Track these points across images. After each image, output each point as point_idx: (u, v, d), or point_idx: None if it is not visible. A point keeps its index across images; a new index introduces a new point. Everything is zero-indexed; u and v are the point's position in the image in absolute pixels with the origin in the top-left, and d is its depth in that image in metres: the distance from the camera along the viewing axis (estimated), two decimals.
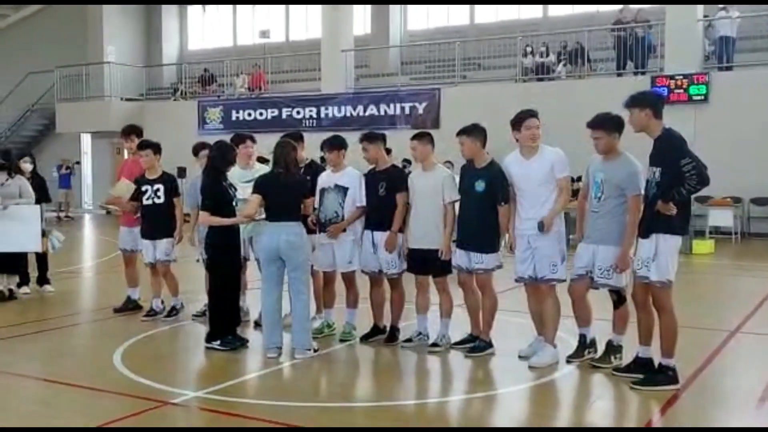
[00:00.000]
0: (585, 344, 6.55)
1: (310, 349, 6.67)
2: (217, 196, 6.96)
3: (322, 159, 8.21)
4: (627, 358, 6.17)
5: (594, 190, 6.32)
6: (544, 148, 6.43)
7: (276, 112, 22.80)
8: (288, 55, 24.44)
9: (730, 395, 5.83)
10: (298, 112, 22.40)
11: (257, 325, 7.86)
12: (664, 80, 17.80)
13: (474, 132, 6.78)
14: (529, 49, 20.26)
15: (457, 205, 6.85)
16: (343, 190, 7.16)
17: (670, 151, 5.62)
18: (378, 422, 5.23)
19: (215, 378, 6.09)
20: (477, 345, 6.83)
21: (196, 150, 8.13)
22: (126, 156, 9.13)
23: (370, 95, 21.71)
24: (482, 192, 6.63)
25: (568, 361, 6.45)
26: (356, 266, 7.26)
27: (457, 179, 6.93)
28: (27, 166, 10.00)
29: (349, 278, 7.35)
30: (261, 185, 6.79)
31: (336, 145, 7.22)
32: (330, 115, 21.91)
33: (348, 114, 21.64)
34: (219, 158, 7.11)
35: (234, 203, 7.06)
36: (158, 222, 8.20)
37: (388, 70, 23.58)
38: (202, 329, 7.77)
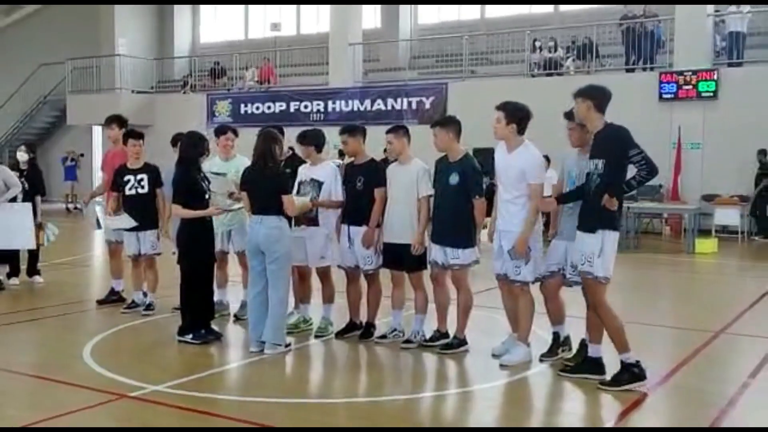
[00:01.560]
0: (558, 342, 6.44)
1: (280, 345, 6.58)
2: (188, 188, 6.87)
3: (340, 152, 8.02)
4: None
5: (569, 185, 6.20)
6: (527, 146, 6.21)
7: (284, 106, 22.76)
8: (297, 49, 24.36)
9: (697, 396, 5.70)
10: (305, 106, 22.34)
11: (237, 318, 7.83)
12: (672, 76, 17.56)
13: (448, 124, 6.68)
14: (538, 44, 20.07)
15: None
16: (319, 184, 7.08)
17: (614, 143, 5.54)
18: (338, 419, 5.16)
19: (180, 372, 6.03)
20: (451, 342, 6.72)
21: (175, 140, 8.08)
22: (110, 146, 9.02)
23: (378, 89, 21.62)
24: (456, 185, 6.53)
25: (541, 360, 6.33)
26: (329, 261, 7.17)
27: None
28: (22, 155, 9.98)
29: (323, 273, 7.27)
30: (244, 179, 6.77)
31: (309, 138, 7.15)
32: (337, 109, 21.84)
33: (355, 108, 21.56)
34: (189, 149, 7.02)
35: (206, 195, 6.98)
36: (142, 213, 8.11)
37: (398, 65, 23.46)
38: (177, 323, 7.74)
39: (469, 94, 19.45)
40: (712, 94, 17.18)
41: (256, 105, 23.28)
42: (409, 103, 20.80)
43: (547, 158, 7.33)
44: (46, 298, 9.15)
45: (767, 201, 16.09)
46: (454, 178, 6.54)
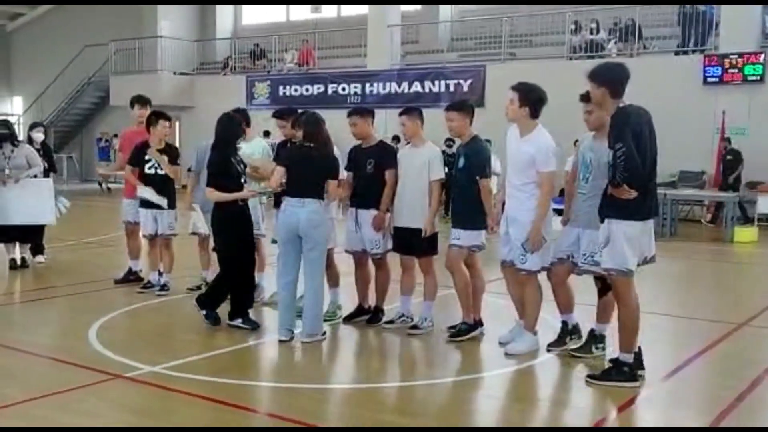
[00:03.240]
0: (567, 331, 6.23)
1: (318, 333, 6.41)
2: (223, 171, 6.73)
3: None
4: (610, 349, 5.84)
5: (582, 171, 5.96)
6: (540, 132, 5.98)
7: (322, 88, 22.68)
8: (336, 30, 24.23)
9: (704, 391, 5.50)
10: (343, 89, 22.23)
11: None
12: (717, 59, 17.01)
13: (463, 108, 6.52)
14: (579, 26, 19.59)
15: None
16: None
17: (612, 131, 5.19)
18: (329, 405, 5.07)
19: (181, 353, 5.97)
20: (460, 329, 6.57)
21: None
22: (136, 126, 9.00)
23: (415, 72, 21.39)
24: (462, 168, 6.43)
25: (548, 350, 6.14)
26: (332, 244, 7.02)
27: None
28: (39, 135, 10.08)
29: (327, 257, 7.14)
30: (284, 157, 6.55)
31: (312, 122, 7.02)
32: (375, 91, 21.68)
33: (393, 91, 21.38)
34: (226, 131, 6.87)
35: (242, 180, 6.86)
36: (161, 192, 8.12)
37: (438, 47, 23.17)
38: (190, 305, 7.72)
39: (507, 76, 18.75)
40: (758, 77, 16.59)
41: (294, 87, 23.25)
42: (447, 86, 20.53)
43: None
44: (66, 277, 9.23)
45: None
46: (461, 161, 6.44)
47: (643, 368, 5.45)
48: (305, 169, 6.32)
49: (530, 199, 5.94)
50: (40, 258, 10.01)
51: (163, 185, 8.10)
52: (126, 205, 8.75)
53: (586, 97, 5.81)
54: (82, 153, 28.74)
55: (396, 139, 16.08)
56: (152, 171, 8.09)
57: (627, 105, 5.25)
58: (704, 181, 16.78)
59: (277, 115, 7.50)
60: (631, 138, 5.05)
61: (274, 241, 7.18)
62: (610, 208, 5.28)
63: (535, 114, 6.00)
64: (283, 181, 6.40)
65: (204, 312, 6.82)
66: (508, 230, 6.09)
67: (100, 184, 23.76)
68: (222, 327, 6.75)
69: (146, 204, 8.15)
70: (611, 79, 5.29)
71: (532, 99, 5.97)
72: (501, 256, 6.25)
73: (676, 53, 18.34)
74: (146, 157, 8.06)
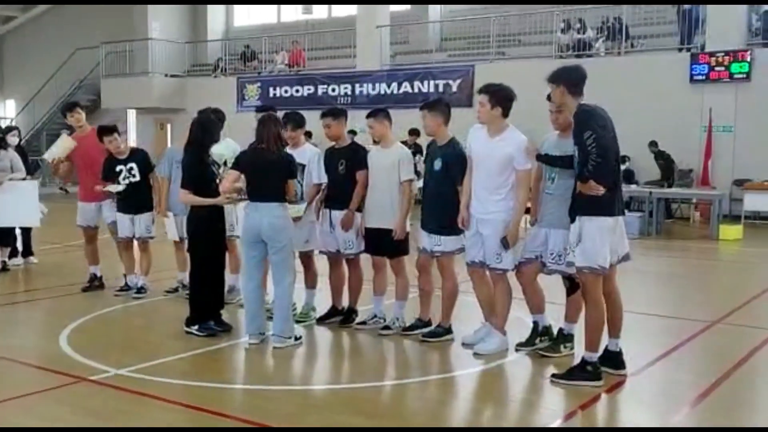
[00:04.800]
0: (537, 332, 6.23)
1: (290, 338, 6.32)
2: (197, 174, 6.68)
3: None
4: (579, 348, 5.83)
5: (548, 170, 5.97)
6: (513, 131, 5.99)
7: (312, 89, 22.68)
8: (327, 31, 24.23)
9: (668, 388, 5.50)
10: (333, 90, 22.23)
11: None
12: (704, 57, 17.00)
13: (436, 107, 6.49)
14: (568, 24, 19.60)
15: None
16: (301, 167, 6.95)
17: (577, 127, 5.22)
18: (291, 407, 5.06)
19: (150, 356, 5.95)
20: (435, 330, 6.57)
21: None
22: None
23: (405, 72, 21.38)
24: (439, 171, 6.37)
25: (517, 349, 6.15)
26: (312, 246, 7.06)
27: None
28: (14, 139, 10.11)
29: (307, 258, 7.16)
30: (240, 161, 6.46)
31: (295, 122, 7.03)
32: (364, 92, 21.68)
33: (382, 91, 21.36)
34: (201, 135, 6.81)
35: (216, 182, 6.81)
36: (138, 198, 8.11)
37: (427, 47, 23.18)
38: (167, 307, 7.76)
39: (496, 76, 18.69)
40: (745, 75, 16.58)
41: (284, 88, 23.24)
42: (436, 86, 20.52)
43: None
44: (44, 280, 9.25)
45: None
46: (438, 164, 6.38)
47: (623, 367, 5.48)
48: (262, 172, 6.24)
49: (506, 199, 5.94)
50: (16, 260, 10.05)
51: (140, 192, 8.09)
52: (81, 209, 8.52)
53: (551, 97, 5.82)
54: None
55: (415, 132, 16.19)
56: (127, 182, 8.02)
57: (589, 104, 5.30)
58: (691, 179, 16.78)
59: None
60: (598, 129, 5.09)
61: None
62: (581, 205, 5.29)
63: (506, 113, 6.00)
64: (242, 186, 6.37)
65: (196, 327, 6.60)
66: (479, 231, 6.08)
67: (61, 188, 23.65)
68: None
69: (123, 208, 8.12)
70: (567, 78, 5.37)
71: (502, 99, 5.97)
72: (468, 257, 6.24)
73: (679, 49, 18.21)
74: (117, 169, 8.01)
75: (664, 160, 16.45)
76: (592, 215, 5.22)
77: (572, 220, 5.36)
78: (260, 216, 6.23)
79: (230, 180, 6.41)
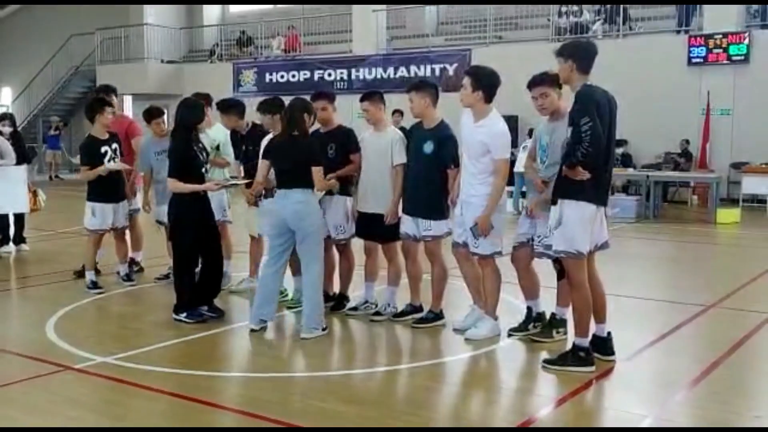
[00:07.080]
0: (531, 318, 6.16)
1: (318, 328, 6.17)
2: (185, 160, 6.50)
3: None
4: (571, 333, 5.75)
5: (540, 155, 5.87)
6: (493, 118, 5.87)
7: (308, 75, 22.58)
8: (323, 16, 24.07)
9: (659, 374, 5.43)
10: (329, 74, 22.14)
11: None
12: (701, 39, 16.88)
13: (423, 88, 6.36)
14: (563, 9, 19.47)
15: None
16: None
17: (576, 106, 5.07)
18: (278, 393, 4.98)
19: (136, 343, 5.87)
20: (426, 316, 6.50)
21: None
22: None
23: (401, 57, 21.28)
24: (430, 154, 6.25)
25: (509, 335, 6.08)
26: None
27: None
28: (7, 129, 10.01)
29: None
30: (271, 150, 6.28)
31: (274, 108, 6.92)
32: (361, 77, 21.58)
33: (379, 76, 21.28)
34: (186, 116, 6.61)
35: (204, 169, 6.72)
36: (120, 183, 7.93)
37: (424, 31, 23.02)
38: (157, 293, 7.69)
39: (492, 60, 18.58)
40: (743, 57, 16.49)
41: (280, 74, 23.15)
42: (432, 70, 20.43)
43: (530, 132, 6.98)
44: (35, 267, 9.17)
45: None
46: (428, 147, 6.25)
47: (612, 353, 5.39)
48: (289, 159, 6.11)
49: (483, 185, 5.85)
50: (6, 248, 9.99)
51: (122, 175, 7.98)
52: (124, 206, 8.12)
53: (537, 81, 5.70)
54: (71, 142, 28.58)
55: (398, 112, 15.68)
56: (111, 164, 7.86)
57: (594, 85, 5.16)
58: (689, 162, 16.69)
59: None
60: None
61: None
62: (564, 189, 5.19)
63: (489, 98, 5.88)
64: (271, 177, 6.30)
65: (185, 315, 6.48)
66: (463, 212, 6.00)
67: (50, 177, 23.71)
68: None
69: (110, 197, 7.87)
70: (579, 54, 5.18)
71: (485, 83, 5.84)
72: (453, 237, 6.17)
73: (678, 31, 18.07)
74: (102, 150, 7.77)
75: (684, 156, 16.37)
76: (574, 199, 5.11)
77: (554, 203, 5.26)
78: (286, 204, 6.12)
79: (263, 173, 6.33)
